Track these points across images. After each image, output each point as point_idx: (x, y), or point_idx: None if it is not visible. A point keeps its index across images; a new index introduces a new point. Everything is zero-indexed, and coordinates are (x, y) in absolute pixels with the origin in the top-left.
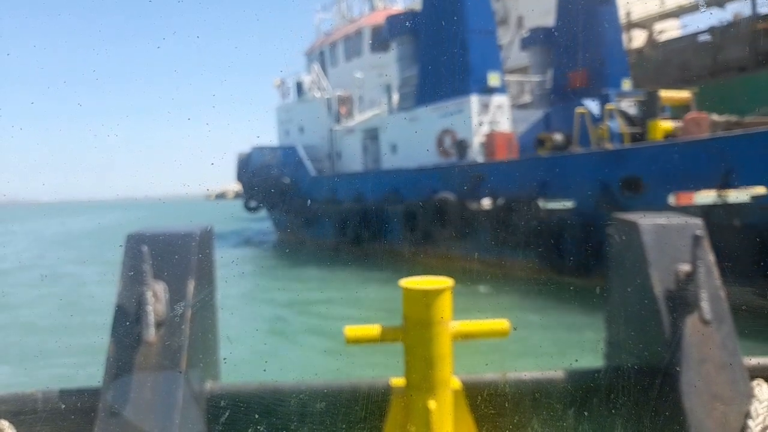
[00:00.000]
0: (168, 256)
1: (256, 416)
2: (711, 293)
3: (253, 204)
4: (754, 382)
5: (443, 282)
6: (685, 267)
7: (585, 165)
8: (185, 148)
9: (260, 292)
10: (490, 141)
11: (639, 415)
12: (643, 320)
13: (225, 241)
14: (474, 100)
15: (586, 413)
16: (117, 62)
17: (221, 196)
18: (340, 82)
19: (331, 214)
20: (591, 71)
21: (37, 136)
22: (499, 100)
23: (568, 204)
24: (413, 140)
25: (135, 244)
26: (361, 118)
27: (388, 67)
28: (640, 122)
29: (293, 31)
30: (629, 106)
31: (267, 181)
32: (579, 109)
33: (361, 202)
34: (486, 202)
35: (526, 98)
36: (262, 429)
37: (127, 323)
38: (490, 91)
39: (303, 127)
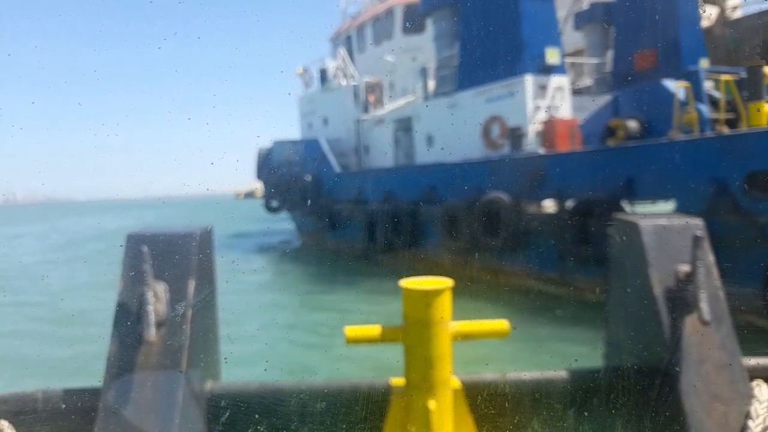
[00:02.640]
0: (168, 256)
1: (257, 416)
2: (710, 294)
3: (274, 204)
4: (754, 383)
5: (443, 282)
6: (685, 267)
7: (691, 156)
8: (215, 148)
9: (246, 306)
10: (549, 129)
11: (639, 416)
12: (642, 320)
13: (239, 243)
14: (529, 80)
15: (586, 413)
16: (137, 63)
17: (250, 195)
18: (369, 69)
19: (358, 216)
20: (662, 50)
21: (67, 137)
22: (559, 80)
23: (664, 207)
24: (453, 130)
25: (135, 244)
26: (391, 106)
27: (422, 50)
28: (730, 106)
29: (301, 26)
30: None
31: (287, 178)
32: (679, 83)
33: (391, 202)
34: (548, 204)
35: (585, 82)
36: (262, 429)
37: (128, 323)
38: (547, 69)
39: (327, 119)
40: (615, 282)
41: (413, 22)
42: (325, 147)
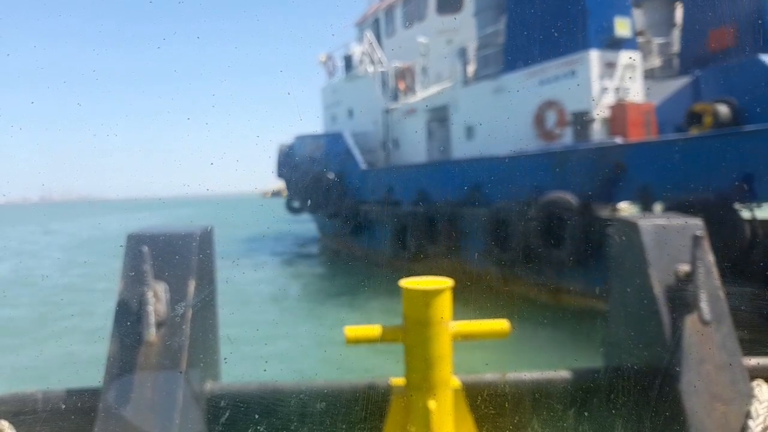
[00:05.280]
0: (169, 256)
1: (256, 416)
2: (710, 293)
3: (295, 204)
4: (754, 383)
5: (443, 282)
6: (685, 267)
7: None
8: (243, 147)
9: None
10: (619, 115)
11: (639, 415)
12: (642, 320)
13: (248, 245)
14: (594, 56)
15: (586, 413)
16: (161, 63)
17: (276, 194)
18: (399, 55)
19: (387, 219)
20: (741, 27)
21: (98, 137)
22: (630, 56)
23: None
24: (498, 119)
25: (136, 244)
26: (424, 94)
27: (458, 31)
28: None
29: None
30: None
31: (308, 176)
32: None
33: (425, 203)
34: (626, 207)
35: (653, 63)
36: (262, 429)
37: (128, 323)
38: (616, 44)
39: (352, 110)
40: (615, 282)
41: (449, 0)
42: (350, 141)
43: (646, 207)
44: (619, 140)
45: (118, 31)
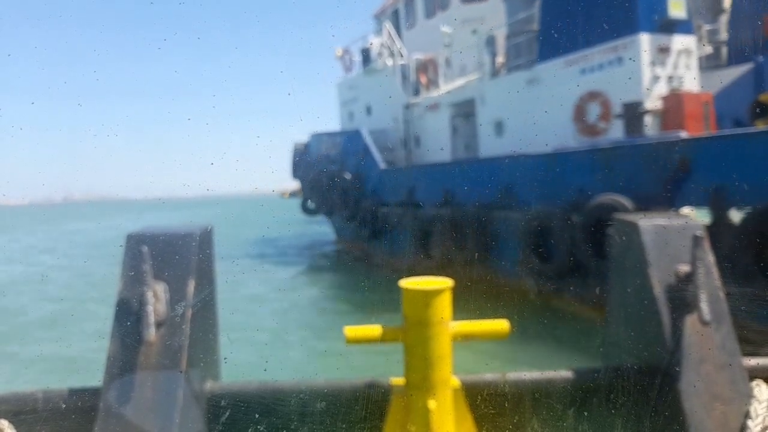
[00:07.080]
0: (168, 256)
1: (257, 416)
2: (710, 294)
3: (311, 205)
4: (754, 383)
5: (443, 282)
6: (685, 267)
7: None
8: (259, 147)
9: None
10: (674, 107)
11: (639, 415)
12: (642, 320)
13: (260, 247)
14: (644, 40)
15: (586, 413)
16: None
17: (294, 194)
18: (420, 48)
19: (408, 222)
20: None
21: (118, 138)
22: (685, 41)
23: None
24: (531, 113)
25: (135, 244)
26: (448, 87)
27: (484, 20)
28: None
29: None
30: None
31: (323, 176)
32: None
33: (451, 206)
34: (689, 212)
35: (706, 50)
36: (262, 429)
37: (128, 323)
38: (669, 26)
39: (370, 106)
40: (615, 282)
41: None
42: (368, 139)
43: (718, 213)
44: (684, 134)
45: (119, 32)
